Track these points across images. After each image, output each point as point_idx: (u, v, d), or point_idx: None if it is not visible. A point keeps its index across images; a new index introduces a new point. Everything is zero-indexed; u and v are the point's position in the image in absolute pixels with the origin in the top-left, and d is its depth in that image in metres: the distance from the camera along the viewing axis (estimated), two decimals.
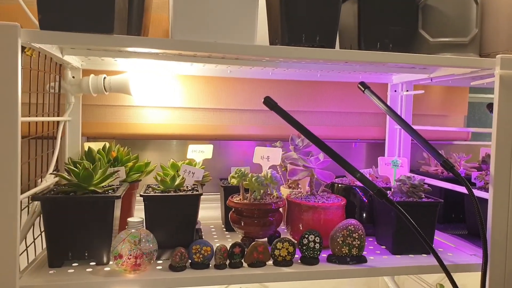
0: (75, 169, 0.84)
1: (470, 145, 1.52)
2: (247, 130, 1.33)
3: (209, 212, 1.24)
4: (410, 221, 0.82)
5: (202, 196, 0.90)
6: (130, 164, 1.04)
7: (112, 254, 0.79)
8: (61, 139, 1.03)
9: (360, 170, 0.89)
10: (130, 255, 0.78)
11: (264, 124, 1.34)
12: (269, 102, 0.93)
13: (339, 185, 1.13)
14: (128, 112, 1.24)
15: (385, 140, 1.38)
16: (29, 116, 0.91)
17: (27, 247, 0.89)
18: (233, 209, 0.98)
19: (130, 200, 1.02)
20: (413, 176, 1.00)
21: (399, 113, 1.38)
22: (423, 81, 1.24)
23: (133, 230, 0.80)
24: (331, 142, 1.38)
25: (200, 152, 1.16)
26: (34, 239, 0.91)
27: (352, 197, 1.11)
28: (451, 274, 0.83)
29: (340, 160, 0.88)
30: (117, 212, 0.86)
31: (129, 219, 0.81)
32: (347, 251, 0.88)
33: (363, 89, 1.09)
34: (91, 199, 0.81)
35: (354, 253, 0.88)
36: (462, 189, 0.95)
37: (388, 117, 1.39)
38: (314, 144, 0.90)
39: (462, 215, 1.21)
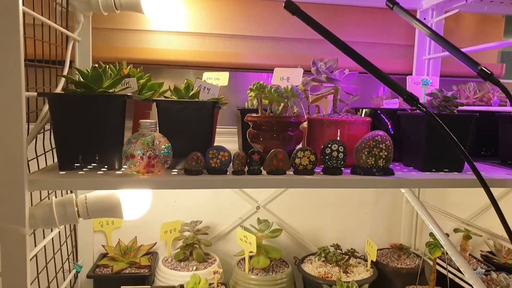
0: (84, 71, 0.81)
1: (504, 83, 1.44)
2: (264, 60, 1.28)
3: (226, 145, 1.21)
4: (444, 129, 0.77)
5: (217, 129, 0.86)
6: (142, 81, 1.01)
7: (124, 155, 0.77)
8: (70, 62, 1.00)
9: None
10: (143, 155, 0.75)
11: (282, 53, 1.29)
12: (290, 6, 0.88)
13: (364, 109, 1.08)
14: (141, 36, 1.20)
15: (412, 74, 1.32)
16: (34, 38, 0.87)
17: (37, 156, 0.87)
18: (251, 126, 0.94)
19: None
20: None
21: (428, 44, 1.31)
22: (456, 3, 1.16)
23: (146, 131, 0.77)
24: None
25: (215, 80, 1.12)
26: (45, 152, 0.89)
27: (376, 122, 1.06)
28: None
29: (370, 66, 0.82)
30: (129, 116, 0.83)
31: (142, 120, 0.78)
32: (373, 162, 0.84)
33: (391, 6, 1.03)
34: (100, 98, 0.78)
35: (381, 165, 0.84)
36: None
37: (416, 49, 1.33)
38: (340, 49, 0.84)
39: (494, 150, 1.16)
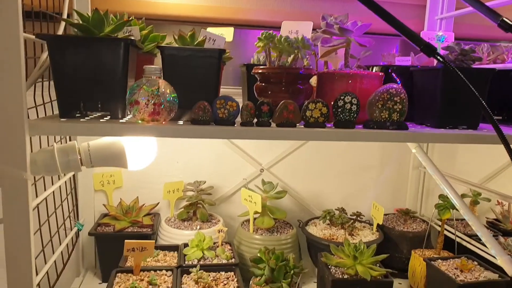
0: (84, 14, 0.77)
1: None
2: (271, 16, 1.23)
3: None
4: (464, 81, 0.74)
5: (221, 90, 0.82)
6: (145, 32, 0.97)
7: (128, 102, 0.73)
8: (68, 15, 0.95)
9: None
10: (148, 101, 0.72)
11: (289, 10, 1.24)
12: None
13: (374, 67, 1.04)
14: None
15: None
16: None
17: (36, 105, 0.84)
18: (259, 79, 0.90)
19: None
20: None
21: (440, 3, 1.27)
22: None
23: (150, 77, 0.74)
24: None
25: (219, 35, 1.07)
26: (44, 103, 0.86)
27: (388, 80, 1.03)
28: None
29: (386, 15, 0.78)
30: (131, 67, 0.79)
31: (146, 66, 0.75)
32: (386, 116, 0.81)
33: None
34: (103, 41, 0.75)
35: (395, 118, 0.81)
36: None
37: (428, 8, 1.28)
38: None
39: (507, 114, 1.13)
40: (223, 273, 0.91)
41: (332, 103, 0.82)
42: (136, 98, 0.73)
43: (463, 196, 1.29)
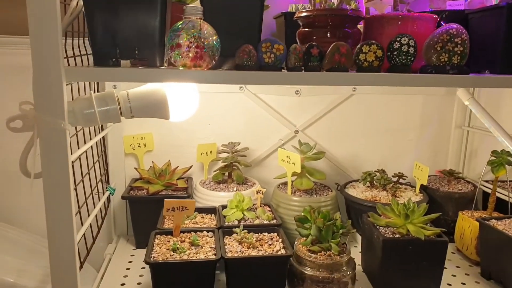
0: None
1: None
2: None
3: None
4: None
5: None
6: None
7: (168, 46, 0.68)
8: None
9: None
10: (191, 43, 0.67)
11: None
12: None
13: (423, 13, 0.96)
14: None
15: None
16: None
17: (67, 56, 0.79)
18: (302, 25, 0.84)
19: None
20: None
21: None
22: None
23: (193, 18, 0.68)
24: None
25: None
26: (74, 56, 0.81)
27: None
28: None
29: None
30: (168, 9, 0.74)
31: (186, 6, 0.69)
32: (446, 60, 0.74)
33: None
34: None
35: (455, 62, 0.74)
36: None
37: None
38: None
39: None
40: (266, 234, 0.87)
41: (387, 46, 0.75)
42: (177, 41, 0.67)
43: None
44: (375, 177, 1.14)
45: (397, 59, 0.74)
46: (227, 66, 0.77)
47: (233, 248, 0.79)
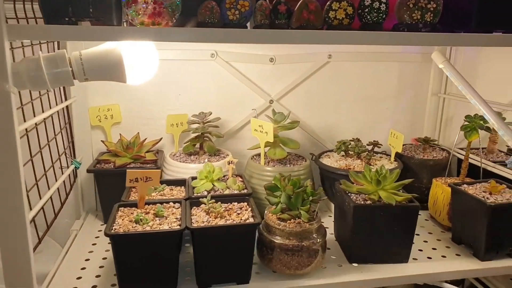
0: None
1: None
2: None
3: None
4: None
5: None
6: None
7: (123, 2, 0.63)
8: None
9: None
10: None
11: None
12: None
13: None
14: None
15: None
16: None
17: (17, 17, 0.73)
18: None
19: None
20: None
21: None
22: None
23: None
24: None
25: None
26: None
27: None
28: None
29: None
30: None
31: None
32: (419, 17, 0.71)
33: None
34: None
35: (428, 20, 0.72)
36: None
37: None
38: None
39: None
40: (235, 203, 0.84)
41: (358, 3, 0.72)
42: None
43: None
44: (349, 146, 1.12)
45: (368, 17, 0.71)
46: (191, 25, 0.72)
47: (200, 219, 0.76)
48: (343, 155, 1.15)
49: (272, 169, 1.03)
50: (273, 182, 0.84)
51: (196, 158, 1.06)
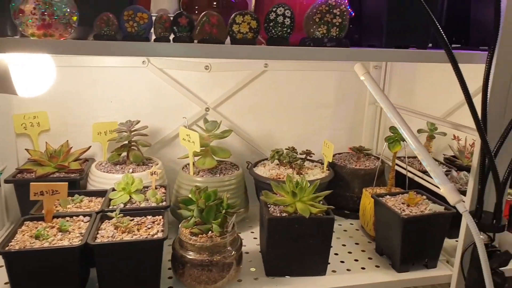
0: None
1: None
2: None
3: None
4: None
5: None
6: None
7: (11, 10, 0.61)
8: None
9: None
10: (35, 9, 0.60)
11: None
12: None
13: None
14: None
15: None
16: None
17: None
18: None
19: None
20: None
21: None
22: None
23: None
24: None
25: None
26: None
27: None
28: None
29: None
30: None
31: None
32: (325, 32, 0.72)
33: None
34: None
35: (334, 34, 0.72)
36: None
37: None
38: None
39: (465, 38, 1.06)
40: (150, 217, 0.83)
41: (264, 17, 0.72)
42: (19, 6, 0.60)
43: (419, 131, 1.25)
44: (282, 155, 1.12)
45: (273, 31, 0.71)
46: (91, 38, 0.71)
47: (107, 233, 0.75)
48: (277, 164, 1.15)
49: (202, 179, 1.02)
50: (189, 195, 0.83)
51: (122, 168, 1.04)
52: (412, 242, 0.86)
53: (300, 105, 1.27)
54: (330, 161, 1.12)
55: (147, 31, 0.67)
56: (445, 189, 0.74)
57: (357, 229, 1.10)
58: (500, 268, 0.78)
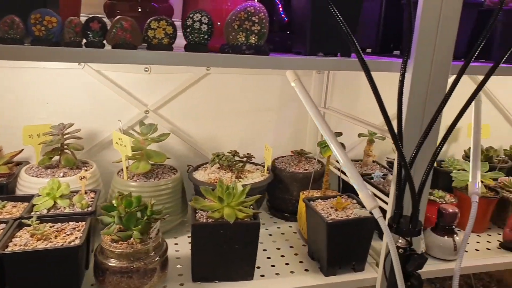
0: None
1: None
2: None
3: None
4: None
5: None
6: None
7: None
8: None
9: None
10: None
11: None
12: None
13: None
14: None
15: None
16: None
17: None
18: None
19: None
20: None
21: None
22: None
23: None
24: None
25: None
26: None
27: (269, 6, 0.94)
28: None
29: None
30: None
31: None
32: (243, 39, 0.73)
33: None
34: None
35: (253, 42, 0.73)
36: None
37: None
38: None
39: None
40: (72, 223, 0.81)
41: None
42: None
43: (360, 135, 1.28)
44: (221, 158, 1.13)
45: (190, 37, 0.71)
46: None
47: (20, 242, 0.73)
48: (218, 168, 1.15)
49: (136, 184, 1.01)
50: (113, 202, 0.82)
51: (53, 172, 1.01)
52: (337, 246, 0.88)
53: (245, 109, 1.28)
54: (270, 164, 1.13)
55: (57, 35, 0.66)
56: (362, 195, 0.76)
57: (294, 232, 1.12)
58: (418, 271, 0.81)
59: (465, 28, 0.90)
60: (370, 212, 0.77)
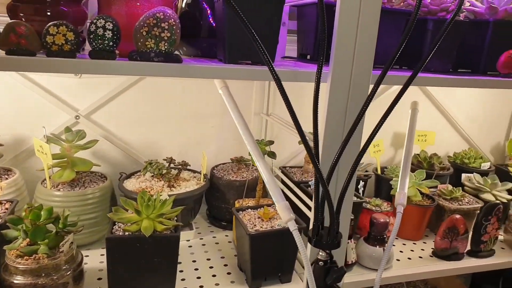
0: None
1: None
2: None
3: None
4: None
5: None
6: None
7: None
8: None
9: None
10: None
11: None
12: None
13: None
14: None
15: None
16: None
17: None
18: None
19: None
20: None
21: None
22: None
23: None
24: None
25: None
26: None
27: (196, 12, 0.93)
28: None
29: None
30: None
31: None
32: (152, 46, 0.71)
33: None
34: None
35: (163, 49, 0.71)
36: None
37: None
38: None
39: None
40: None
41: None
42: None
43: (300, 142, 1.28)
44: (153, 167, 1.11)
45: (94, 44, 0.69)
46: None
47: None
48: (152, 176, 1.13)
49: (60, 193, 0.98)
50: (17, 215, 0.79)
51: None
52: (261, 257, 0.88)
53: (185, 114, 1.26)
54: (205, 172, 1.12)
55: None
56: (278, 207, 0.75)
57: (229, 241, 1.11)
58: (338, 283, 0.81)
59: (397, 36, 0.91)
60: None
